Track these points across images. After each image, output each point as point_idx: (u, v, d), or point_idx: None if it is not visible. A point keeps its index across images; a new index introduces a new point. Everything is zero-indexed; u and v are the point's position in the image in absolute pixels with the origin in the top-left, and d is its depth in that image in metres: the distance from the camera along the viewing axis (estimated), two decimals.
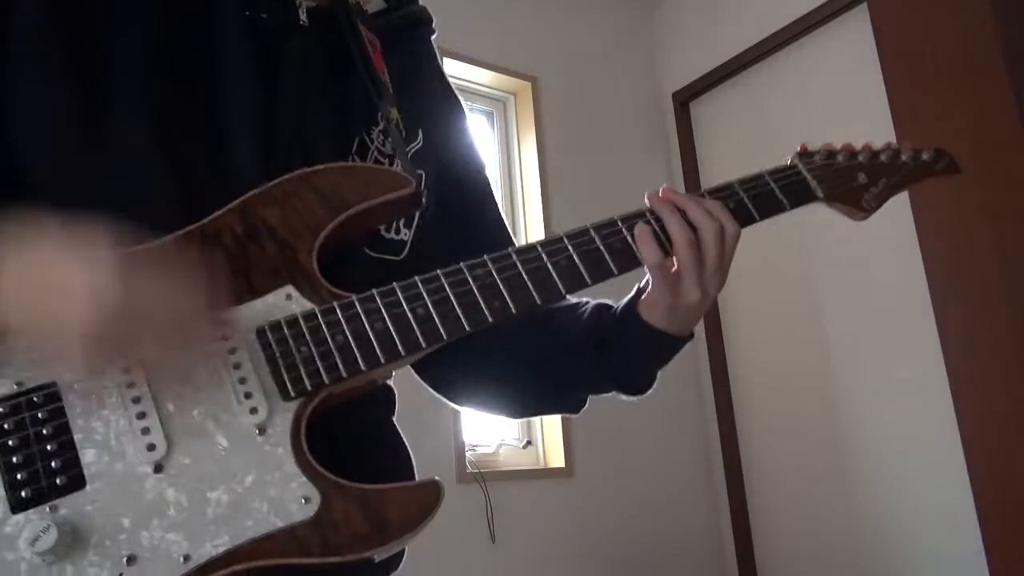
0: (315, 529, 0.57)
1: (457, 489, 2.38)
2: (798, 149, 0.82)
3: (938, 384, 2.27)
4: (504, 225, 0.90)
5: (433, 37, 0.90)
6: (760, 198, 0.79)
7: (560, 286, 0.68)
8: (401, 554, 0.80)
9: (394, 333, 0.63)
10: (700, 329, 3.09)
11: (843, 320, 2.70)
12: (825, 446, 2.70)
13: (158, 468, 0.57)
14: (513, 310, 0.66)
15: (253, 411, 0.59)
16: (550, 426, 2.70)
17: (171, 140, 0.66)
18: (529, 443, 2.69)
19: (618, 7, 3.37)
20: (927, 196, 2.29)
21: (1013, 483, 2.07)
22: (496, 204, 0.90)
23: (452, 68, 2.83)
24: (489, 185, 0.90)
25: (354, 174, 0.69)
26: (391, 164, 0.77)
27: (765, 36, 2.92)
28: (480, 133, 3.02)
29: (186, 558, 0.55)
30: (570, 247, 0.70)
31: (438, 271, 0.66)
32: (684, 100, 3.28)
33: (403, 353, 0.63)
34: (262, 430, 0.59)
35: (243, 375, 0.60)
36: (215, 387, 0.59)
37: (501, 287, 0.67)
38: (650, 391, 0.84)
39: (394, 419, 0.81)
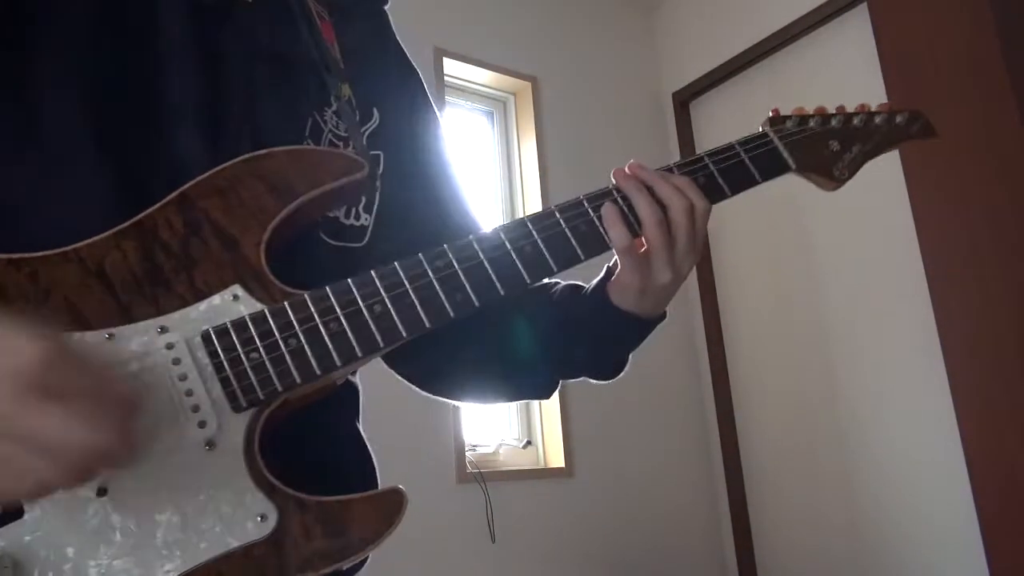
0: (273, 548, 0.54)
1: (457, 489, 2.39)
2: (769, 114, 0.78)
3: (938, 384, 2.27)
4: (464, 204, 0.85)
5: (387, 7, 0.85)
6: (731, 171, 0.73)
7: (525, 275, 0.64)
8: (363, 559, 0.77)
9: (350, 334, 0.59)
10: (700, 329, 3.10)
11: (843, 320, 2.70)
12: (825, 446, 2.70)
13: (101, 492, 0.52)
14: (476, 303, 0.62)
15: (201, 425, 0.55)
16: (550, 426, 2.70)
17: (110, 133, 0.62)
18: (529, 443, 2.69)
19: (618, 7, 3.38)
20: (927, 196, 2.29)
21: (1013, 483, 2.07)
22: (456, 181, 0.85)
23: (452, 68, 2.83)
24: (451, 162, 0.85)
25: (302, 158, 0.63)
26: (346, 146, 0.72)
27: (765, 36, 2.92)
28: (479, 132, 3.02)
29: None
30: (534, 232, 0.66)
31: (395, 264, 0.62)
32: (684, 100, 3.28)
33: (360, 355, 0.59)
34: (212, 444, 0.55)
35: (189, 387, 0.55)
36: (159, 401, 0.54)
37: (463, 279, 0.62)
38: (622, 374, 0.81)
39: (358, 423, 0.77)
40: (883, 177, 2.51)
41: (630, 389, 2.88)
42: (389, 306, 0.60)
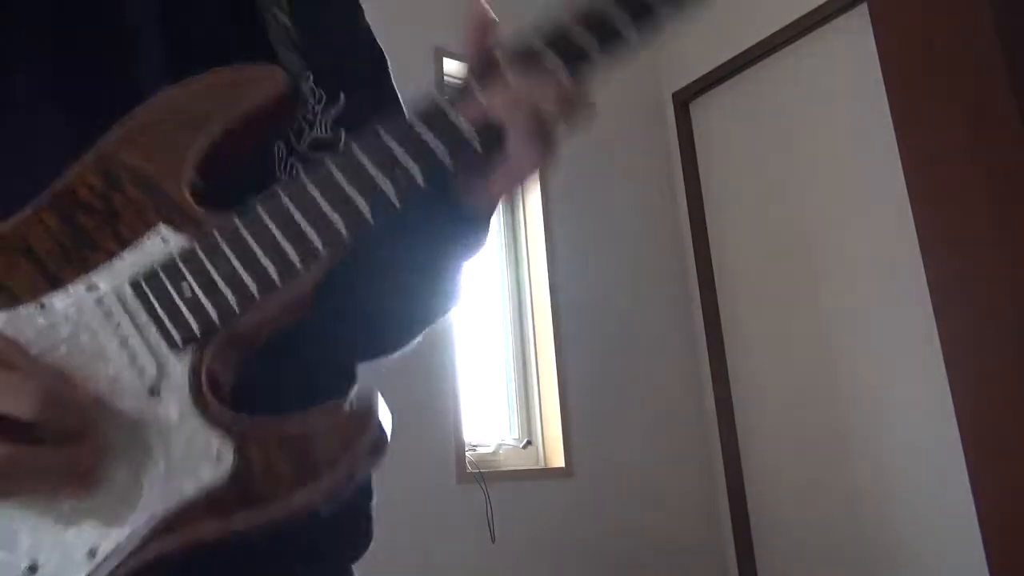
0: (233, 486, 0.49)
1: (457, 489, 2.39)
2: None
3: (939, 384, 2.27)
4: (399, 100, 0.80)
5: None
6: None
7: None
8: (368, 534, 0.72)
9: (287, 244, 0.54)
10: (700, 329, 3.10)
11: (843, 320, 2.70)
12: (825, 446, 2.70)
13: None
14: (419, 182, 0.55)
15: (141, 372, 0.52)
16: (550, 426, 2.70)
17: (78, 107, 0.61)
18: (529, 443, 2.69)
19: None
20: (927, 194, 2.29)
21: (1013, 483, 2.07)
22: (391, 80, 0.81)
23: (452, 68, 2.83)
24: (384, 62, 0.82)
25: (212, 86, 0.59)
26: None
27: (765, 36, 2.92)
28: None
29: (91, 553, 0.48)
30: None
31: (325, 158, 0.56)
32: (684, 100, 3.28)
33: (299, 266, 0.54)
34: (154, 391, 0.51)
35: (124, 335, 0.52)
36: (96, 358, 0.52)
37: (401, 161, 0.56)
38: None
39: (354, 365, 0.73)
40: (883, 177, 2.51)
41: (630, 389, 2.88)
42: (327, 208, 0.54)
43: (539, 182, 2.88)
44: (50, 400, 0.47)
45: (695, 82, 3.20)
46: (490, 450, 2.61)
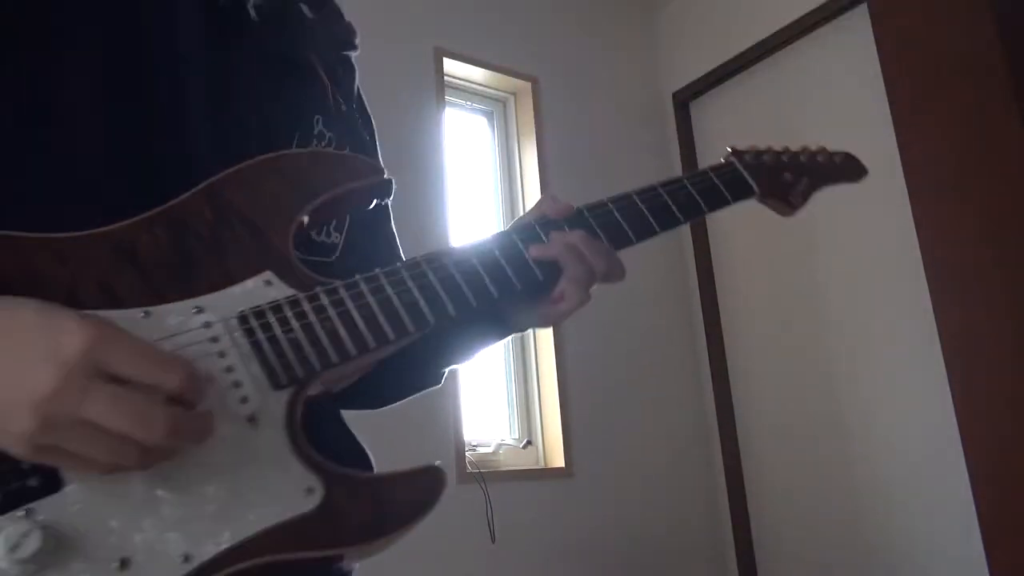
0: (321, 520, 0.54)
1: (457, 489, 2.38)
2: (728, 149, 0.87)
3: (938, 384, 2.27)
4: (395, 241, 0.91)
5: (354, 55, 0.89)
6: (706, 193, 0.82)
7: (516, 281, 0.70)
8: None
9: (382, 318, 0.61)
10: (700, 329, 3.10)
11: (843, 321, 2.70)
12: (825, 446, 2.70)
13: (146, 464, 0.52)
14: (495, 294, 0.67)
15: (244, 400, 0.55)
16: (550, 426, 2.70)
17: (119, 128, 0.63)
18: (529, 443, 2.69)
19: (618, 7, 3.37)
20: (927, 195, 2.29)
21: (1013, 483, 2.07)
22: (390, 216, 0.92)
23: (452, 68, 2.83)
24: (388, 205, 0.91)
25: (321, 160, 0.67)
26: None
27: (765, 36, 2.92)
28: (479, 132, 3.02)
29: (187, 557, 0.51)
30: (501, 251, 0.71)
31: (416, 257, 0.66)
32: (684, 100, 3.28)
33: (392, 337, 0.61)
34: (254, 420, 0.55)
35: (229, 363, 0.56)
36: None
37: (483, 273, 0.67)
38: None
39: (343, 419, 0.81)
40: (883, 177, 2.51)
41: (630, 389, 2.88)
42: (416, 293, 0.63)
43: (538, 183, 2.88)
44: (193, 376, 0.51)
45: (695, 82, 3.20)
46: (490, 450, 2.61)
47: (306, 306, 0.59)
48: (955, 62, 2.26)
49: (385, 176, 0.67)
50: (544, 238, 0.72)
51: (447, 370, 0.88)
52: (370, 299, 0.62)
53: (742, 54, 3.01)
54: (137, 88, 0.65)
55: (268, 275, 0.60)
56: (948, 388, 2.22)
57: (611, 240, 0.75)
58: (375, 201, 0.74)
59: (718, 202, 0.82)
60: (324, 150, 0.71)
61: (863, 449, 2.60)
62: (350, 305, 0.61)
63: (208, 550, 0.51)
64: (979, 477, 2.14)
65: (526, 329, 0.80)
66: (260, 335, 0.57)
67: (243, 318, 0.58)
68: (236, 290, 0.59)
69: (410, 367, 0.83)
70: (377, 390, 0.85)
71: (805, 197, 0.88)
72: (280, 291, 0.60)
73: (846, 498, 2.63)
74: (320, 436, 0.62)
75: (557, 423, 2.67)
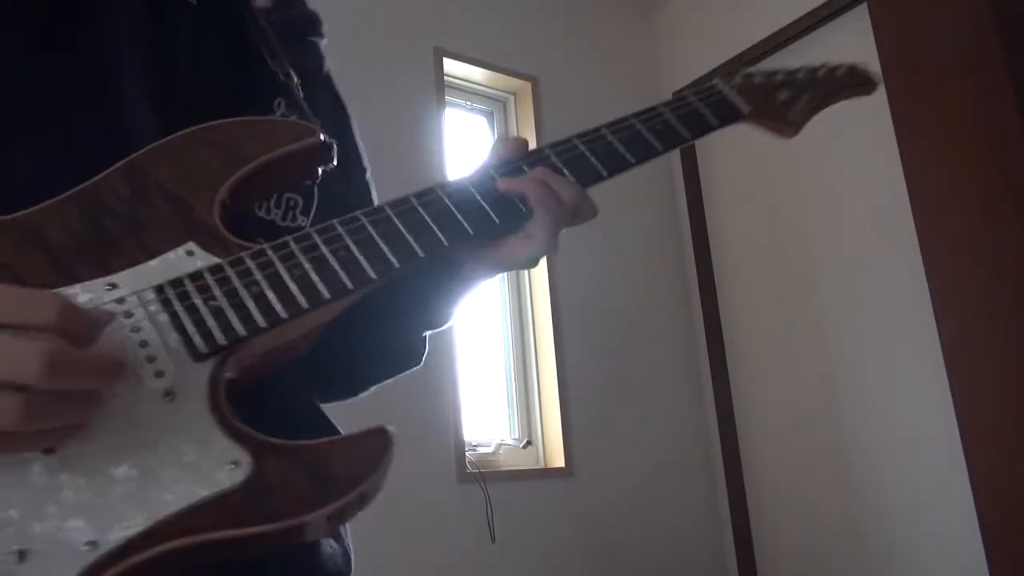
0: (248, 495, 0.49)
1: (457, 489, 2.39)
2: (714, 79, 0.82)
3: (938, 384, 2.27)
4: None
5: (323, 43, 0.85)
6: (687, 118, 0.75)
7: (468, 228, 0.64)
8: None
9: (314, 276, 0.57)
10: (700, 329, 3.10)
11: (843, 320, 2.70)
12: (825, 446, 2.70)
13: (49, 449, 0.48)
14: (444, 242, 0.61)
15: (159, 375, 0.52)
16: (550, 426, 2.70)
17: (62, 109, 0.61)
18: (529, 443, 2.69)
19: (618, 7, 3.37)
20: (927, 195, 2.29)
21: (1013, 483, 2.07)
22: (372, 196, 0.87)
23: (452, 68, 2.83)
24: (371, 191, 0.87)
25: (254, 126, 0.63)
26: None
27: (765, 36, 2.92)
28: (479, 132, 3.02)
29: (92, 544, 0.47)
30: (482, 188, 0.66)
31: (357, 212, 0.61)
32: None
33: (327, 296, 0.56)
34: (171, 394, 0.51)
35: (143, 338, 0.52)
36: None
37: (429, 220, 0.62)
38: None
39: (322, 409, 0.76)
40: (883, 177, 2.51)
41: (630, 389, 2.88)
42: (354, 249, 0.59)
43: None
44: (71, 308, 0.46)
45: (695, 82, 3.20)
46: (490, 450, 2.61)
47: (229, 271, 0.56)
48: (955, 62, 2.26)
49: (322, 138, 0.63)
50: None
51: (422, 344, 0.82)
52: (301, 258, 0.57)
53: (742, 54, 3.01)
54: (78, 71, 0.63)
55: (190, 246, 0.57)
56: (948, 388, 2.22)
57: (579, 176, 0.69)
58: (319, 170, 0.69)
59: (701, 128, 0.75)
60: (255, 117, 0.65)
61: (863, 449, 2.60)
62: (279, 267, 0.56)
63: (117, 535, 0.47)
64: (979, 477, 2.14)
65: (486, 276, 0.72)
66: (177, 305, 0.54)
67: (159, 289, 0.54)
68: (154, 263, 0.55)
69: (376, 337, 0.77)
70: (348, 375, 0.80)
71: (807, 114, 0.80)
72: (204, 261, 0.56)
73: (846, 498, 2.63)
74: (274, 409, 0.59)
75: (557, 423, 2.67)
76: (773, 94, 0.80)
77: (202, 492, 0.49)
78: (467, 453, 2.47)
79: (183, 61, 0.68)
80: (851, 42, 2.69)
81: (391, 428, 0.53)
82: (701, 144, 3.20)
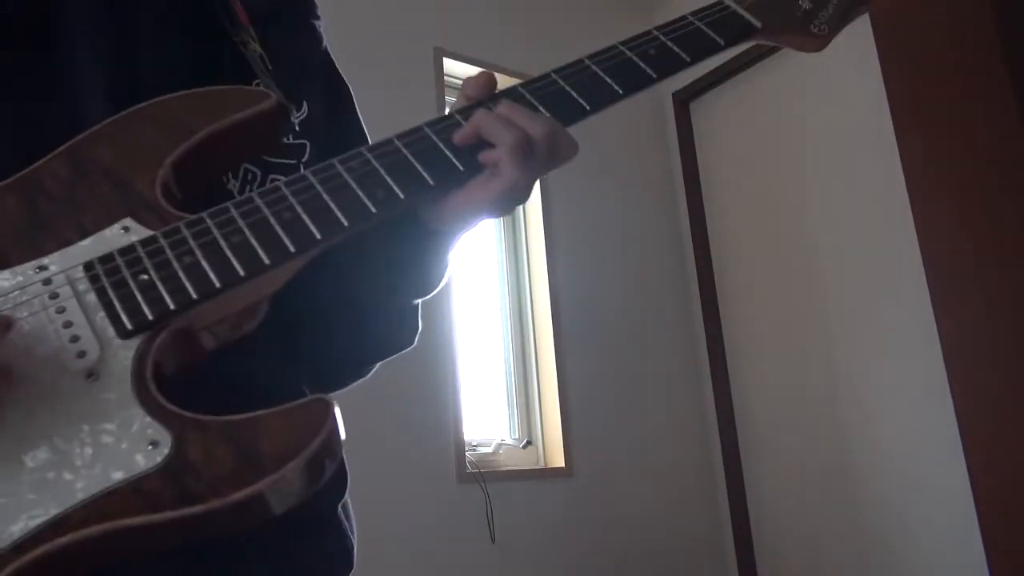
0: (167, 477, 0.46)
1: (457, 489, 2.39)
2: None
3: (938, 384, 2.27)
4: (359, 121, 0.83)
5: (318, 22, 0.81)
6: (687, 38, 0.68)
7: (428, 178, 0.59)
8: (343, 481, 0.69)
9: (255, 241, 0.53)
10: (700, 329, 3.10)
11: (844, 321, 2.70)
12: (825, 446, 2.70)
13: None
14: (401, 196, 0.57)
15: (81, 355, 0.49)
16: (550, 426, 2.70)
17: (17, 107, 0.60)
18: (529, 443, 2.69)
19: (618, 7, 3.37)
20: (927, 195, 2.29)
21: (1013, 483, 2.07)
22: (352, 102, 0.84)
23: (452, 68, 2.83)
24: (345, 89, 0.83)
25: (201, 98, 0.60)
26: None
27: None
28: None
29: None
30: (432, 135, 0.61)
31: (306, 171, 0.57)
32: (684, 100, 3.28)
33: (268, 262, 0.53)
34: (93, 374, 0.49)
35: (68, 318, 0.50)
36: (34, 340, 0.49)
37: (383, 173, 0.57)
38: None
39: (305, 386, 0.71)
40: (883, 176, 2.51)
41: (630, 389, 2.88)
42: (299, 210, 0.55)
43: (538, 182, 2.88)
44: None
45: (695, 82, 3.20)
46: (490, 450, 2.61)
47: (163, 242, 0.53)
48: (955, 62, 2.26)
49: (276, 102, 0.59)
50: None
51: (412, 317, 0.75)
52: (241, 223, 0.54)
53: (742, 54, 3.00)
54: (29, 59, 0.61)
55: (127, 221, 0.54)
56: (948, 388, 2.22)
57: (558, 113, 0.64)
58: (281, 138, 0.65)
59: (703, 48, 0.68)
60: (204, 88, 0.61)
61: (863, 448, 2.60)
62: (216, 234, 0.53)
63: (20, 527, 0.44)
64: (979, 477, 2.14)
65: (461, 229, 0.66)
66: (105, 281, 0.51)
67: (88, 266, 0.52)
68: (87, 242, 0.53)
69: (355, 307, 0.73)
70: (335, 350, 0.75)
71: (836, 23, 0.72)
72: (138, 234, 0.54)
73: (846, 497, 2.63)
74: (242, 387, 0.56)
75: (557, 423, 2.67)
76: (792, 4, 0.71)
77: (117, 475, 0.46)
78: (467, 453, 2.47)
79: (144, 45, 0.65)
80: (851, 42, 2.69)
81: (330, 397, 0.50)
82: (701, 143, 3.21)
